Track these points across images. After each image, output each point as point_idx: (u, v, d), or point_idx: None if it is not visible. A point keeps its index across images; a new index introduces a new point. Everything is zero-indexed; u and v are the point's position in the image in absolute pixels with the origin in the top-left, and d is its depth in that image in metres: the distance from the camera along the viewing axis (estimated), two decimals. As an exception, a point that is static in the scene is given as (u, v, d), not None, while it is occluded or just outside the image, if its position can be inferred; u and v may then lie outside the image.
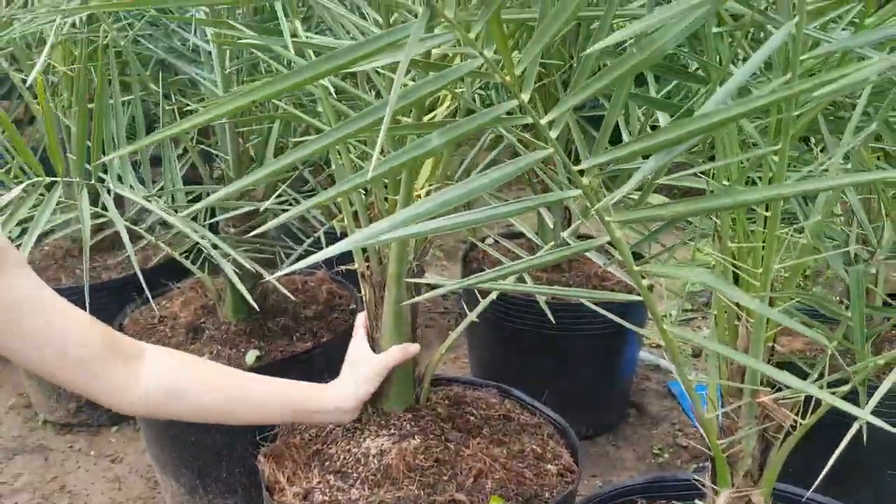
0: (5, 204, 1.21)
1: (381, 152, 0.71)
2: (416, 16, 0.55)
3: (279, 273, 0.71)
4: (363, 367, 1.07)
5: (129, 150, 1.27)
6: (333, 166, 1.07)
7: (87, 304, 1.07)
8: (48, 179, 1.26)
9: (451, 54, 0.90)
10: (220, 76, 1.22)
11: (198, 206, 1.03)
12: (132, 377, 0.91)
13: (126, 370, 0.90)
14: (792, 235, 0.77)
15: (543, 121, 0.63)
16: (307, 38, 0.92)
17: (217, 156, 1.34)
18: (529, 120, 0.63)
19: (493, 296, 1.21)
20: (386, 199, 1.06)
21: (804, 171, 0.74)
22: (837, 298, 1.09)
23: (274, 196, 1.32)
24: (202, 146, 1.37)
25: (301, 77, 0.57)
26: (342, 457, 1.11)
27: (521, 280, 1.14)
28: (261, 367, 1.39)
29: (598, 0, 0.90)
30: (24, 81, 1.66)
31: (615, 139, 0.70)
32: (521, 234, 1.37)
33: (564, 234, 0.96)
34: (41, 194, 1.29)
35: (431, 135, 0.62)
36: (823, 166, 0.73)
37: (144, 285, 1.27)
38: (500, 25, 0.57)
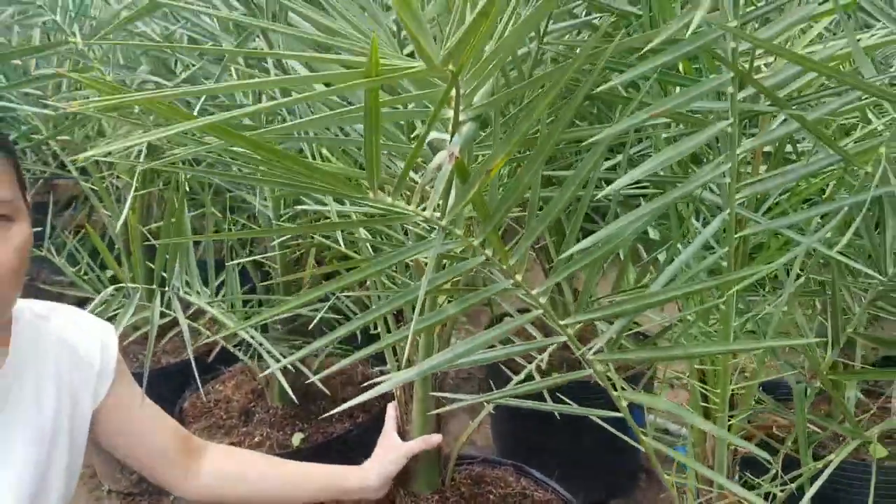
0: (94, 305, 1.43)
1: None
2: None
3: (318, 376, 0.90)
4: (390, 452, 1.26)
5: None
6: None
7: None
8: (132, 286, 1.47)
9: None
10: (271, 202, 1.43)
11: (251, 322, 1.23)
12: (196, 469, 1.14)
13: (193, 463, 1.14)
14: (746, 360, 0.95)
15: (534, 292, 0.82)
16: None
17: (268, 265, 1.55)
18: (523, 293, 0.82)
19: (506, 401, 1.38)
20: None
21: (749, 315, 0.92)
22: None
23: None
24: (253, 255, 1.57)
25: (364, 273, 0.76)
26: (378, 535, 1.29)
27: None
28: (305, 448, 1.58)
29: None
30: (95, 192, 1.90)
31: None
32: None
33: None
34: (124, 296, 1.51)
35: (447, 306, 0.82)
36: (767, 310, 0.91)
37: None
38: (497, 235, 0.76)
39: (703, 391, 0.98)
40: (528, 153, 0.95)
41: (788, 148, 0.98)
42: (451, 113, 0.71)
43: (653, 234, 1.11)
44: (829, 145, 0.78)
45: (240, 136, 0.57)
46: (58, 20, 1.37)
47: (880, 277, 0.97)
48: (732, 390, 0.96)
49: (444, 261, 0.99)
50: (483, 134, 0.90)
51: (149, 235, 1.76)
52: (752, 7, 0.75)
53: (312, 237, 1.43)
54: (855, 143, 0.90)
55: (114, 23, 1.37)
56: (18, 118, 1.84)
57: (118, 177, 1.91)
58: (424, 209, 0.71)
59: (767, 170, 0.93)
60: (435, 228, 0.74)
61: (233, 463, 1.18)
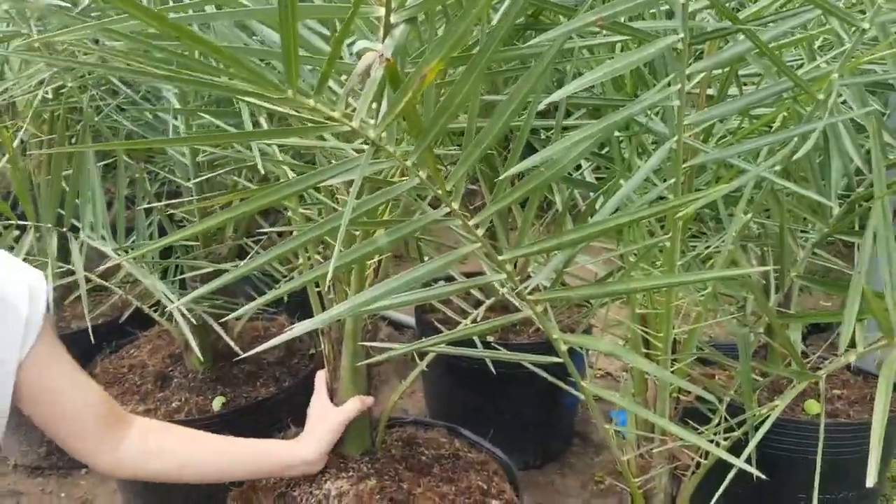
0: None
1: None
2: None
3: (236, 315, 0.82)
4: (324, 422, 1.18)
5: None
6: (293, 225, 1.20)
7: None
8: (17, 222, 1.35)
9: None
10: (189, 155, 1.32)
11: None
12: (116, 443, 1.03)
13: (114, 436, 1.03)
14: (689, 305, 0.91)
15: (471, 222, 0.76)
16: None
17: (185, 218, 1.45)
18: (460, 222, 0.75)
19: (440, 349, 1.33)
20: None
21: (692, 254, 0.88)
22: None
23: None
24: (171, 207, 1.47)
25: (277, 195, 0.68)
26: (304, 499, 1.21)
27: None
28: (226, 413, 1.49)
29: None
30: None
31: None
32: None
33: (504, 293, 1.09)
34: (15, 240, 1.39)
35: (379, 236, 0.75)
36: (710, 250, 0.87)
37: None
38: (432, 156, 0.69)
39: (645, 335, 0.94)
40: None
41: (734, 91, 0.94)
42: (382, 12, 0.64)
43: (589, 176, 1.07)
44: (782, 68, 0.74)
45: (140, 6, 0.49)
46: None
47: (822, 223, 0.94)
48: (675, 335, 0.92)
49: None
50: (420, 50, 0.83)
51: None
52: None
53: (235, 184, 1.34)
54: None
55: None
56: None
57: (21, 127, 1.76)
58: (351, 119, 0.64)
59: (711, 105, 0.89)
60: (363, 145, 0.67)
61: (156, 440, 1.08)
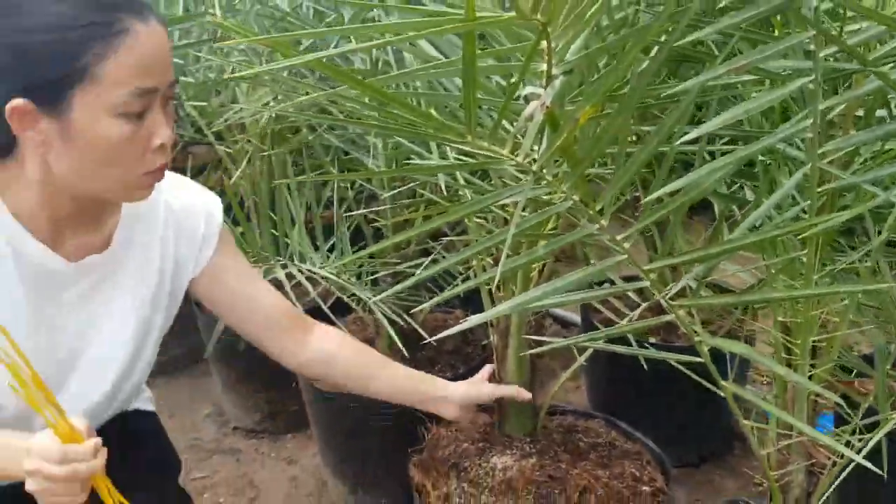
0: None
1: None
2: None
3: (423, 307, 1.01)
4: (477, 387, 1.35)
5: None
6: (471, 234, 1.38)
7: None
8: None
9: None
10: (383, 162, 1.55)
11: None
12: (303, 344, 1.23)
13: (300, 338, 1.23)
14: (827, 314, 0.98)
15: (619, 237, 0.89)
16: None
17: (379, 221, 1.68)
18: (608, 237, 0.89)
19: (596, 344, 1.45)
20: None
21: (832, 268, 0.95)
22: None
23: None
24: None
25: (459, 213, 0.86)
26: (474, 470, 1.39)
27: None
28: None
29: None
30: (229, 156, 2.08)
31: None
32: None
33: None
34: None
35: (539, 247, 0.90)
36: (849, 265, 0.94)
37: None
38: (584, 182, 0.83)
39: (786, 342, 1.02)
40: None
41: (884, 113, 0.99)
42: (544, 67, 0.79)
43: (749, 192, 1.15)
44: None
45: (353, 78, 0.67)
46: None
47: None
48: (814, 341, 1.00)
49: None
50: (578, 90, 0.98)
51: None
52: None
53: (422, 195, 1.54)
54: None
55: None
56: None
57: (249, 141, 2.08)
58: (517, 155, 0.80)
59: (857, 130, 0.96)
60: (527, 174, 0.82)
61: (339, 346, 1.26)
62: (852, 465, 1.01)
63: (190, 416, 2.32)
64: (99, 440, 0.93)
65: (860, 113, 0.97)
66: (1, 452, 0.94)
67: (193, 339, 2.33)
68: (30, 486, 0.90)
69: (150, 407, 1.30)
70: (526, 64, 0.71)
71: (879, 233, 0.96)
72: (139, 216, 1.07)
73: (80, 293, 1.04)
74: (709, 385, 1.06)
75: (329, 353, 1.25)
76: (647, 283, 0.94)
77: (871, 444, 0.90)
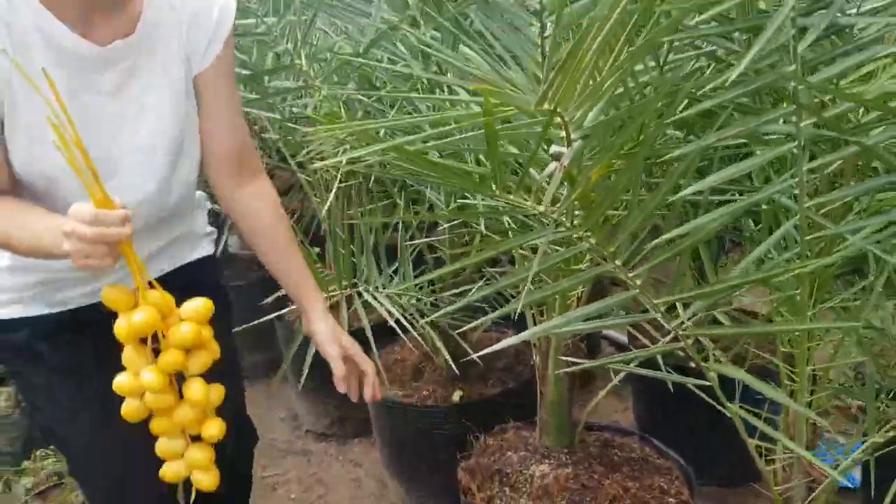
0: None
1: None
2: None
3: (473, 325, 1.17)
4: (326, 345, 1.32)
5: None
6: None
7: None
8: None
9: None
10: (443, 196, 1.73)
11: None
12: (237, 191, 1.27)
13: (237, 185, 1.27)
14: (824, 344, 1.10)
15: (631, 275, 1.04)
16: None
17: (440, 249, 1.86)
18: (622, 275, 1.04)
19: (620, 367, 1.59)
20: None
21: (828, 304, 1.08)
22: None
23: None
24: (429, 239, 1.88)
25: (500, 248, 1.03)
26: (515, 476, 1.55)
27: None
28: (462, 404, 1.87)
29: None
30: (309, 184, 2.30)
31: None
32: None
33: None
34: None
35: (562, 280, 1.06)
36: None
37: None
38: (599, 228, 0.99)
39: (789, 372, 1.14)
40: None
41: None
42: (563, 134, 0.96)
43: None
44: (888, 165, 0.93)
45: (415, 155, 0.85)
46: (289, 48, 1.75)
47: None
48: (813, 370, 1.12)
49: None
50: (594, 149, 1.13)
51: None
52: (816, 48, 0.92)
53: (475, 225, 1.71)
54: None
55: (331, 49, 1.73)
56: (251, 118, 2.28)
57: (327, 170, 2.30)
58: (540, 204, 0.96)
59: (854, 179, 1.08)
60: (548, 220, 0.98)
61: (263, 210, 1.29)
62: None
63: (267, 419, 2.55)
64: (129, 212, 0.99)
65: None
66: (44, 231, 1.02)
67: (272, 348, 2.56)
68: (66, 246, 0.97)
69: (210, 250, 1.39)
70: (541, 138, 0.88)
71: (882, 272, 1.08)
72: (160, 11, 1.13)
73: (115, 82, 1.11)
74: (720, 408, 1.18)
75: (252, 210, 1.29)
76: (651, 316, 1.08)
77: (845, 465, 1.02)
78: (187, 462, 1.12)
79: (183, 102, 1.17)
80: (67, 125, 0.97)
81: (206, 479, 1.11)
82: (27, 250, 1.05)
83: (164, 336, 1.06)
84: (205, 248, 1.38)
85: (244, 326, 1.78)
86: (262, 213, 1.30)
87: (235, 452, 1.33)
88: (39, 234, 1.02)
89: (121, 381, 1.05)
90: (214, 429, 1.10)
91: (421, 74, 1.55)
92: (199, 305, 1.09)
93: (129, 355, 1.05)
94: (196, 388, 1.08)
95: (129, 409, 1.07)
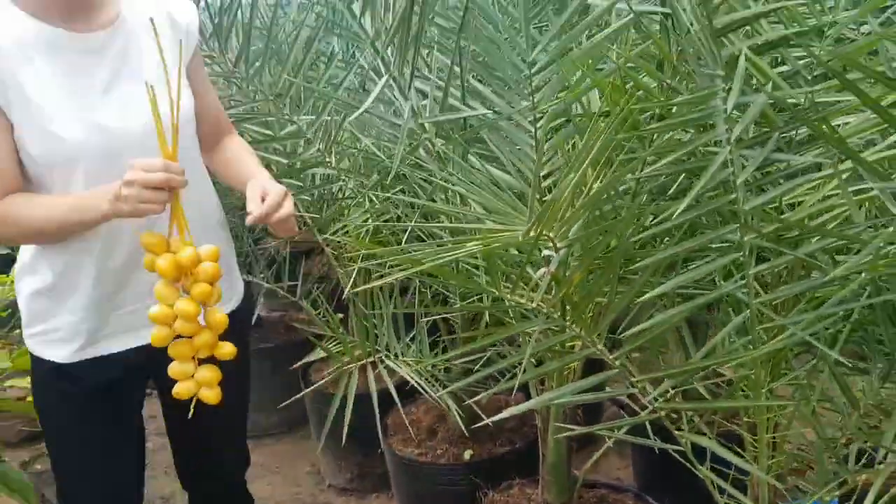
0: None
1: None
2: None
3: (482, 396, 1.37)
4: (252, 201, 1.33)
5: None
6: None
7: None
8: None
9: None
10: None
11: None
12: (214, 149, 1.52)
13: (216, 145, 1.52)
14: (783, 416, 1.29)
15: (612, 357, 1.25)
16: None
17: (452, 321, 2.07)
18: (605, 357, 1.24)
19: (613, 433, 1.77)
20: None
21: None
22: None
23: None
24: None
25: (509, 332, 1.24)
26: (518, 527, 1.73)
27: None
28: (472, 462, 2.05)
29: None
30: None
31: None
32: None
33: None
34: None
35: (554, 361, 1.27)
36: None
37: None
38: (584, 319, 1.20)
39: (751, 439, 1.33)
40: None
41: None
42: (551, 246, 1.17)
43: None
44: (819, 268, 1.14)
45: (438, 270, 1.07)
46: (320, 147, 2.00)
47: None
48: (773, 438, 1.31)
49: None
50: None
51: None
52: (757, 175, 1.13)
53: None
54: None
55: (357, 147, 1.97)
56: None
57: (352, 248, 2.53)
58: (532, 300, 1.17)
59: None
60: (539, 313, 1.19)
61: (233, 151, 1.51)
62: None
63: (292, 473, 2.73)
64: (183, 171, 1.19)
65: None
66: (79, 204, 1.21)
67: (297, 406, 2.76)
68: (123, 191, 1.14)
69: (222, 234, 1.51)
70: (527, 259, 1.09)
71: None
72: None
73: (111, 69, 1.28)
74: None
75: (224, 156, 1.51)
76: (632, 391, 1.28)
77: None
78: (197, 379, 1.31)
79: (177, 83, 1.24)
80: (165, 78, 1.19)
81: (212, 394, 1.31)
82: (58, 226, 1.24)
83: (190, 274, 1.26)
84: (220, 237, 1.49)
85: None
86: (230, 155, 1.51)
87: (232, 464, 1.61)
88: (75, 204, 1.22)
89: (155, 311, 1.25)
90: (227, 347, 1.31)
91: (437, 181, 1.78)
92: (211, 248, 1.28)
93: (161, 290, 1.25)
94: (217, 315, 1.29)
95: (159, 336, 1.26)
